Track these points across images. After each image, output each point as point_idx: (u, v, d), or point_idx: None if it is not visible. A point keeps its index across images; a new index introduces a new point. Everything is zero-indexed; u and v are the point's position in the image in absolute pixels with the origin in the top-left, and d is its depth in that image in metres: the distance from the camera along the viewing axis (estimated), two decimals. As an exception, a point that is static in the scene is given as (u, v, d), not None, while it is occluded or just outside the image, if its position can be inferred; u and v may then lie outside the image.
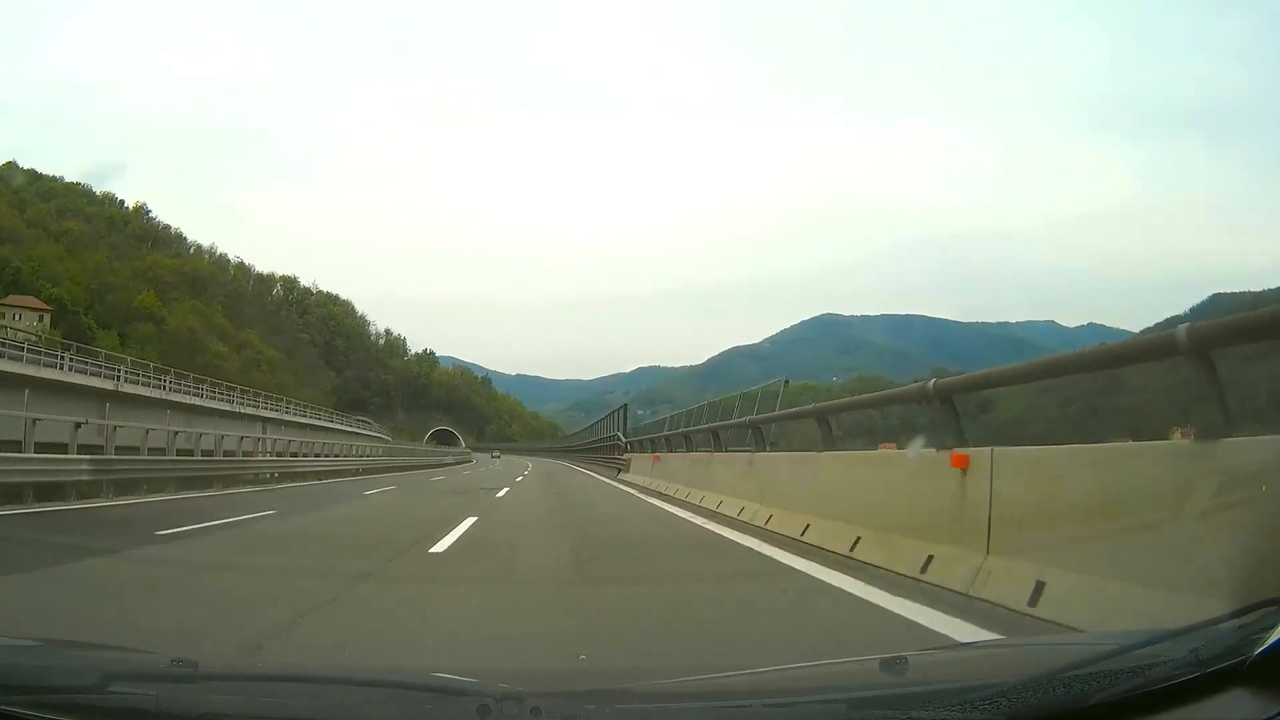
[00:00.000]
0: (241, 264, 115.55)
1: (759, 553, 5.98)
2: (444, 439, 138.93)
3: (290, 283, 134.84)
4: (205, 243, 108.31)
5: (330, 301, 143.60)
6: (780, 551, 5.87)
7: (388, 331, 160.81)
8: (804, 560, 5.33)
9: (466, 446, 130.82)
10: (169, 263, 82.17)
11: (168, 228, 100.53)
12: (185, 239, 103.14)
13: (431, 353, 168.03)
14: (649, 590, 4.74)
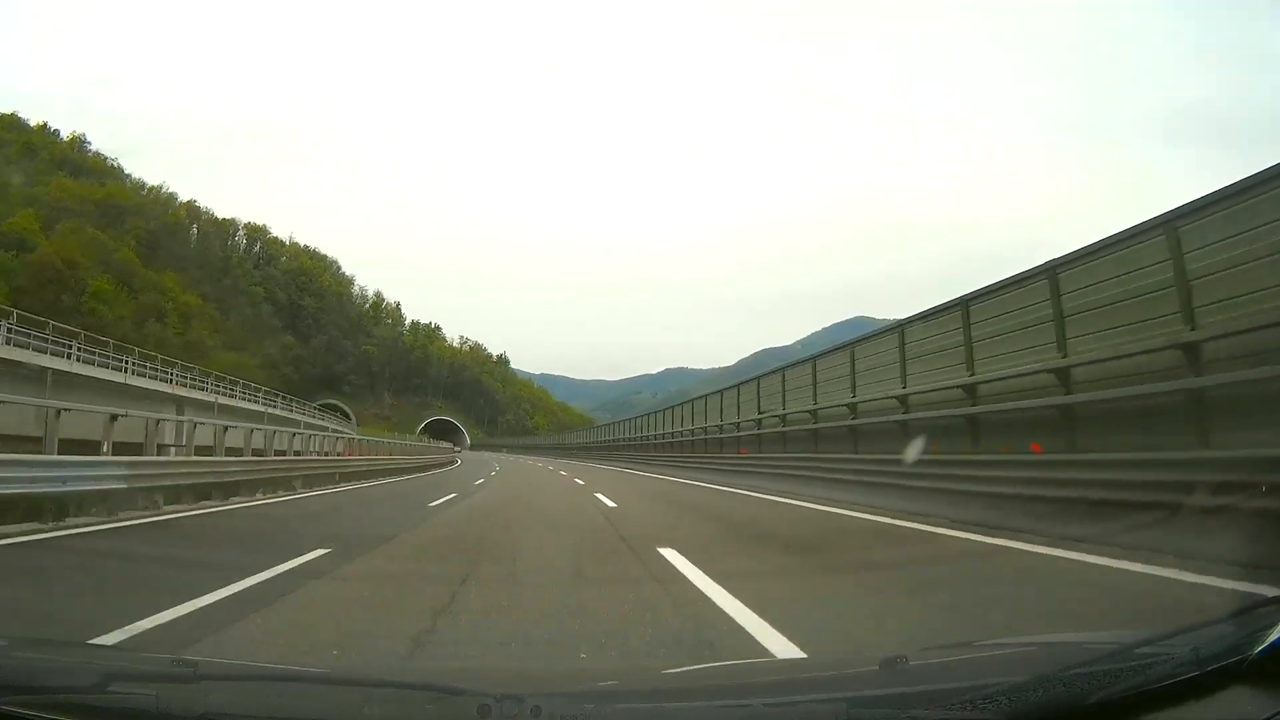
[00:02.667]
0: (193, 204, 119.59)
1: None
2: (443, 431, 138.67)
3: (258, 232, 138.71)
4: (155, 182, 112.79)
5: (305, 254, 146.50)
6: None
7: (378, 295, 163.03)
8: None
9: (473, 442, 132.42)
10: (74, 186, 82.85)
11: (101, 157, 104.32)
12: (128, 174, 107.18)
13: (435, 326, 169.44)
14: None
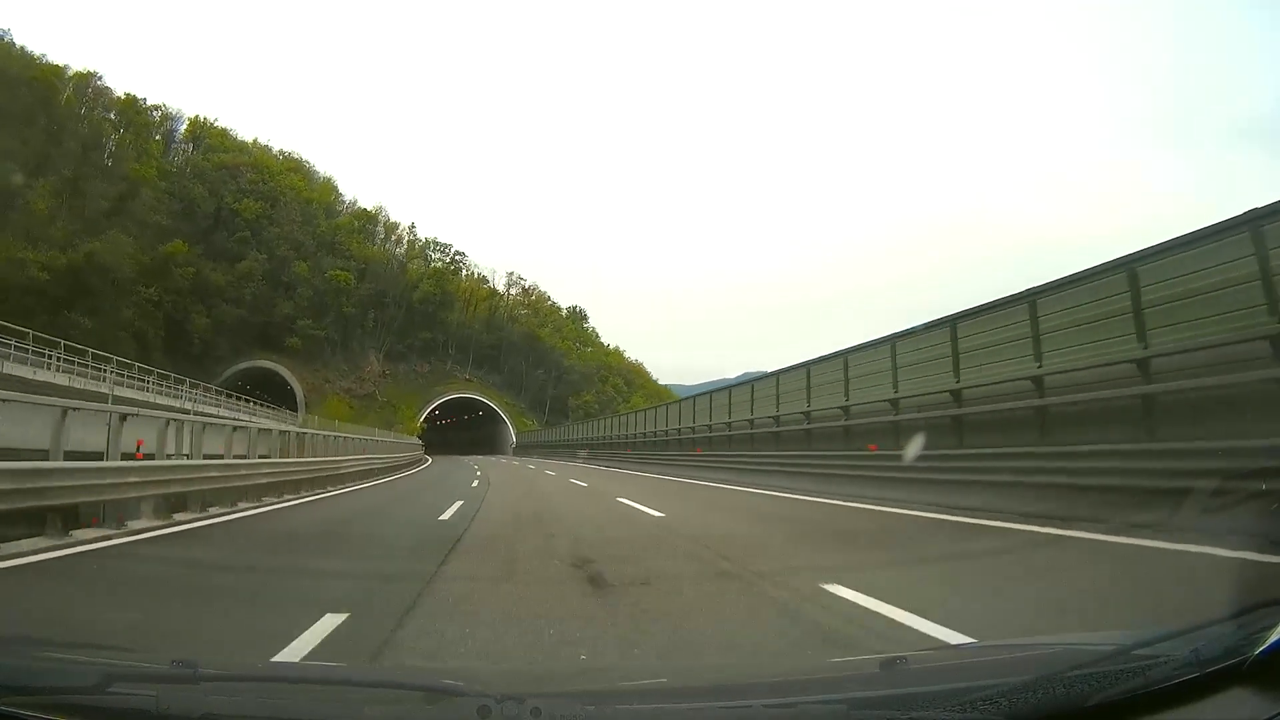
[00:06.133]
0: (93, 78, 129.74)
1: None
2: (467, 425, 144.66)
3: (203, 127, 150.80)
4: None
5: (270, 156, 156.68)
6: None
7: (379, 209, 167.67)
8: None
9: (520, 440, 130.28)
10: None
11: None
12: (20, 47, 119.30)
13: (460, 254, 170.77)
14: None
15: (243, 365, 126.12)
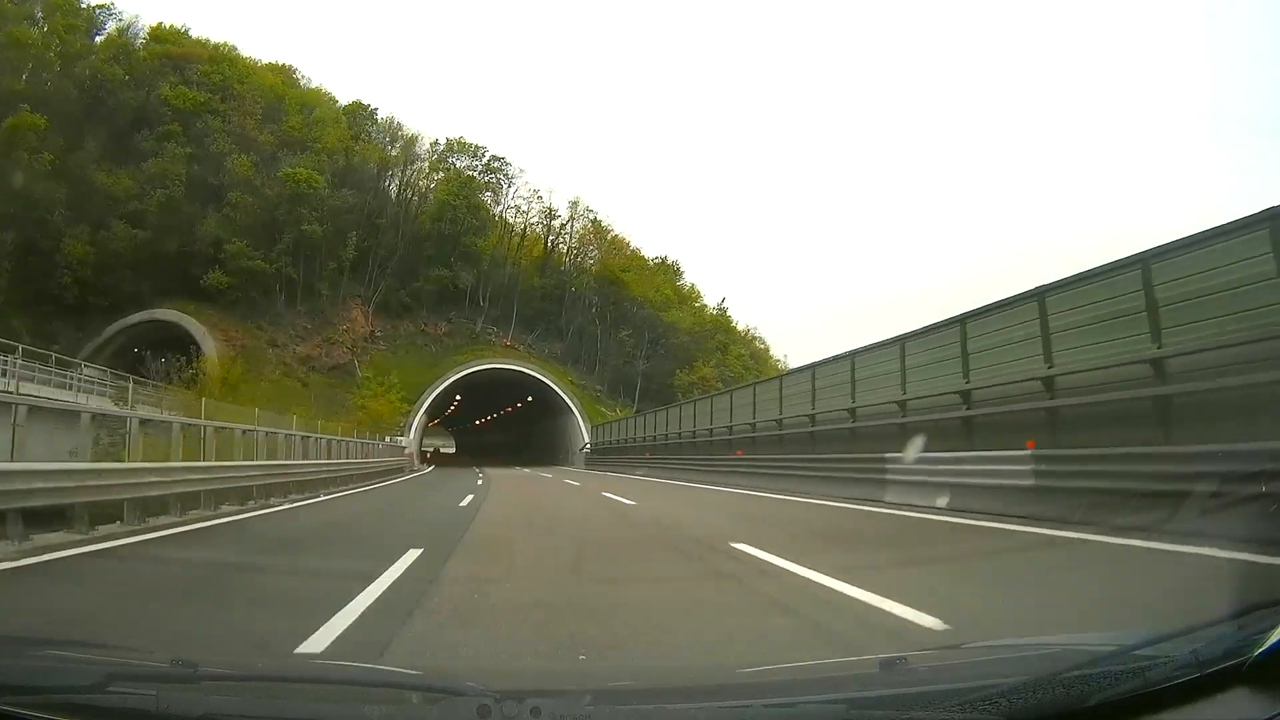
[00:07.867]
0: None
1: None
2: (495, 434, 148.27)
3: (171, 34, 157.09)
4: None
5: (249, 62, 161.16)
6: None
7: (394, 123, 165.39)
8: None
9: (594, 442, 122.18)
10: None
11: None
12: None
13: (499, 160, 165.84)
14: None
15: (134, 319, 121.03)
